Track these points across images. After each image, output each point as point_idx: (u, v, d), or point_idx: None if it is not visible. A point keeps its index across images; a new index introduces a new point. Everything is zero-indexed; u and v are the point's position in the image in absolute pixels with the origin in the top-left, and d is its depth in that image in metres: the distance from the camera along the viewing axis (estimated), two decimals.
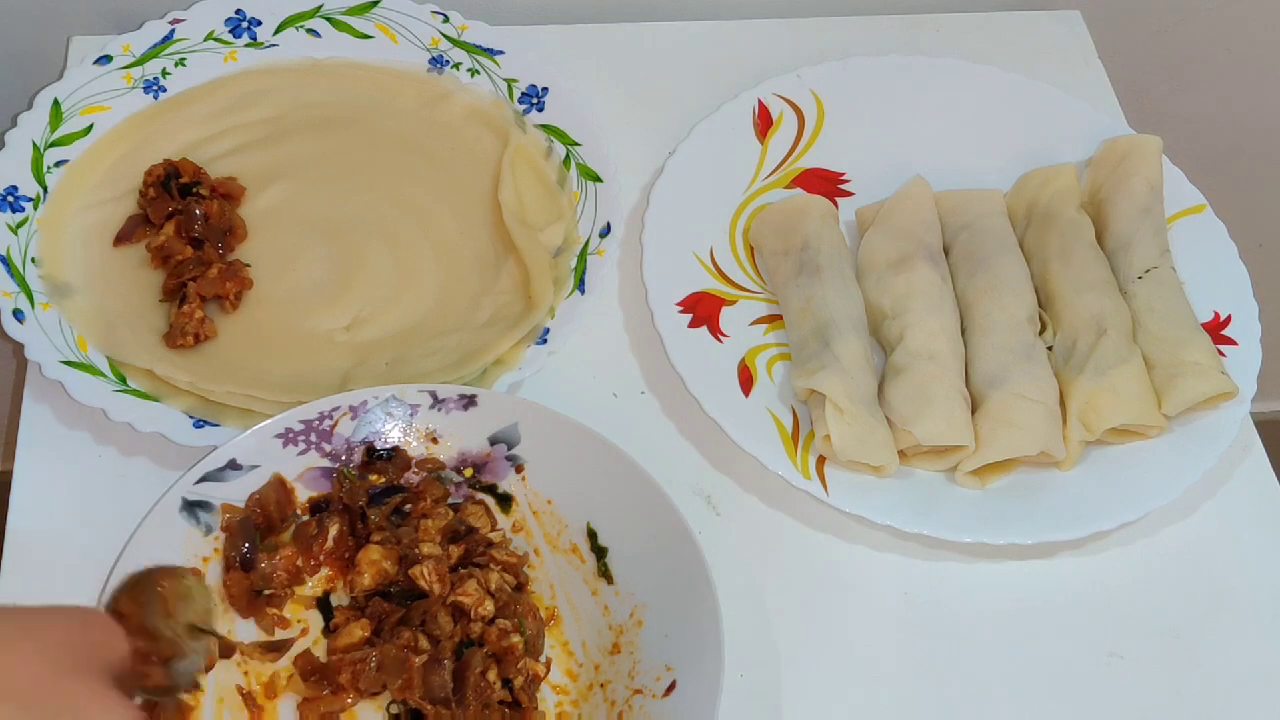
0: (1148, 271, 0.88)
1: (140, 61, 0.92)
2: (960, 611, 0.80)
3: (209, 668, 0.69)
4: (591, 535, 0.76)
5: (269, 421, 0.75)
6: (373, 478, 0.77)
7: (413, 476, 0.77)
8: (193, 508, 0.73)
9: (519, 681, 0.72)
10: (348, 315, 0.85)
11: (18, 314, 0.80)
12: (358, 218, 0.90)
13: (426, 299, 0.87)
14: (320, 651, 0.73)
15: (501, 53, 0.95)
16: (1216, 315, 0.89)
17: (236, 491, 0.74)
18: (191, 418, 0.78)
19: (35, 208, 0.86)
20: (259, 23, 0.95)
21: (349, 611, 0.74)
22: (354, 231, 0.89)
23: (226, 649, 0.71)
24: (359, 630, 0.72)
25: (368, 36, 0.96)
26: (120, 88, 0.91)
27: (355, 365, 0.83)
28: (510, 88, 0.94)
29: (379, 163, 0.92)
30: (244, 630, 0.73)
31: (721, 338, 0.86)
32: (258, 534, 0.74)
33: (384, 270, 0.88)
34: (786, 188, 0.94)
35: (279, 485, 0.75)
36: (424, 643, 0.71)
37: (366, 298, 0.86)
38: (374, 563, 0.73)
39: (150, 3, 0.95)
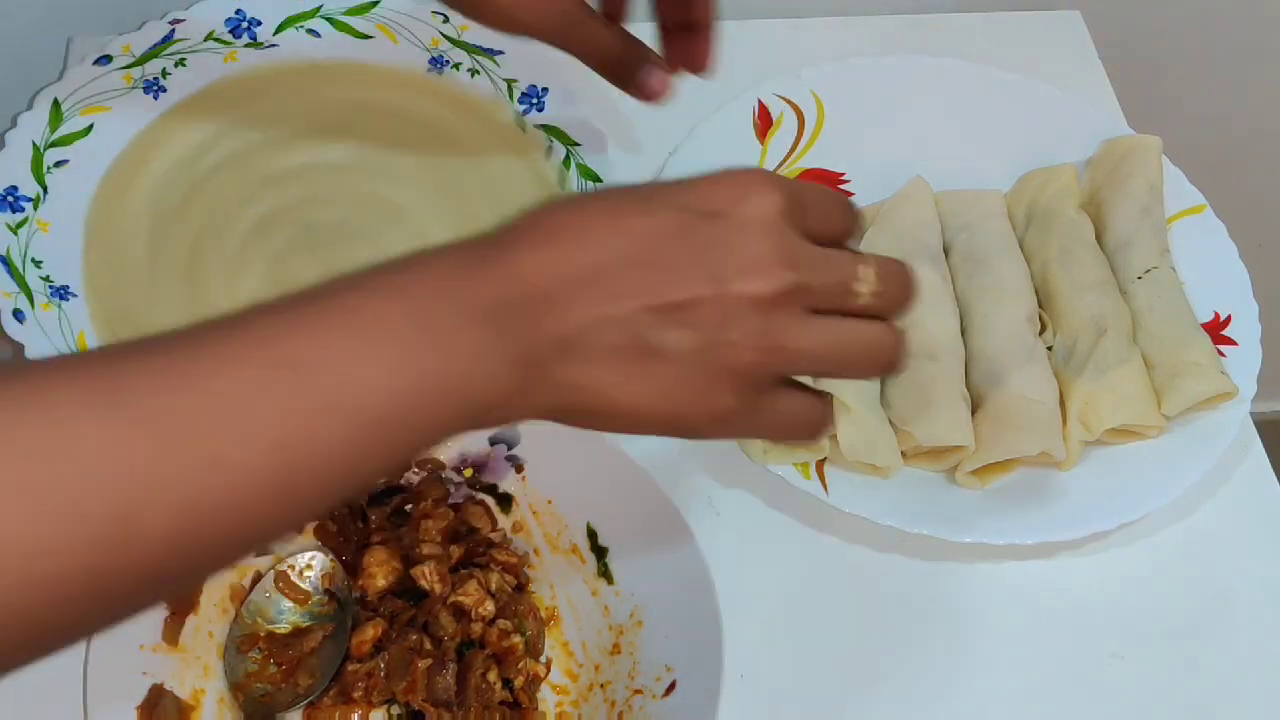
0: (1147, 271, 0.88)
1: (140, 61, 0.92)
2: (960, 611, 0.80)
3: None
4: (591, 535, 0.76)
5: None
6: None
7: (413, 476, 0.77)
8: None
9: (519, 682, 0.72)
10: None
11: (18, 314, 0.80)
12: (357, 220, 0.90)
13: None
14: None
15: (501, 53, 0.95)
16: (1216, 315, 0.89)
17: None
18: None
19: (35, 208, 0.86)
20: (259, 23, 0.95)
21: (362, 611, 0.74)
22: (353, 233, 0.89)
23: None
24: (372, 630, 0.71)
25: (368, 36, 0.96)
26: (120, 88, 0.91)
27: None
28: (510, 88, 0.94)
29: (378, 164, 0.92)
30: None
31: None
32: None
33: None
34: None
35: None
36: (428, 645, 0.71)
37: None
38: (384, 563, 0.73)
39: (150, 3, 0.95)
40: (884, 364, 0.58)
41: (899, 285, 0.58)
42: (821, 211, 0.57)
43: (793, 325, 0.54)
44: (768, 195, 0.55)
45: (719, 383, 0.54)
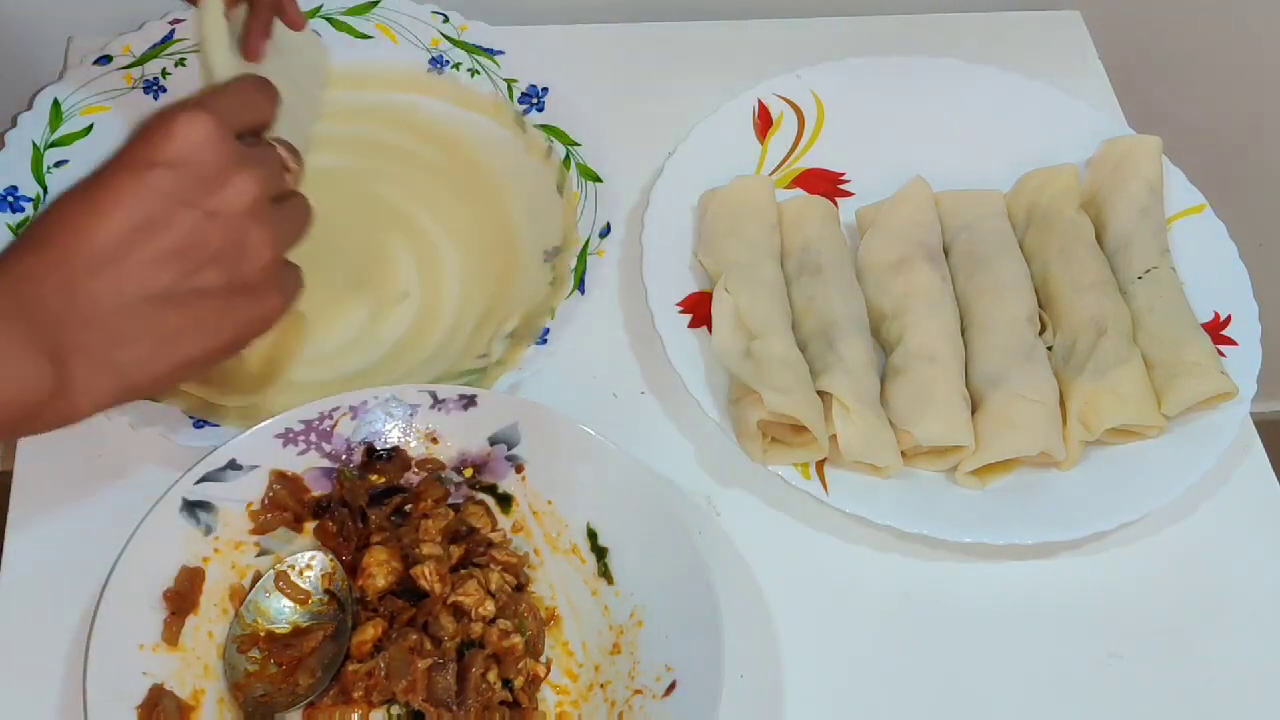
0: (1147, 272, 0.88)
1: (140, 61, 0.92)
2: (960, 611, 0.80)
3: None
4: (591, 535, 0.76)
5: (269, 421, 0.75)
6: (373, 478, 0.77)
7: (413, 476, 0.77)
8: (193, 508, 0.73)
9: (519, 682, 0.72)
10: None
11: None
12: (357, 221, 0.90)
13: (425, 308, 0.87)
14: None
15: (501, 53, 0.95)
16: (1216, 315, 0.89)
17: (237, 491, 0.74)
18: (191, 418, 0.78)
19: (35, 208, 0.85)
20: None
21: (362, 611, 0.74)
22: (352, 235, 0.89)
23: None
24: (372, 630, 0.71)
25: (368, 36, 0.96)
26: (120, 88, 0.91)
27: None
28: (510, 88, 0.94)
29: (378, 165, 0.93)
30: None
31: None
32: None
33: (409, 270, 0.89)
34: (787, 188, 0.94)
35: (281, 478, 0.75)
36: (428, 645, 0.71)
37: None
38: (383, 563, 0.73)
39: (150, 3, 0.95)
40: (312, 219, 0.66)
41: (300, 162, 0.66)
42: (243, 105, 0.63)
43: (276, 215, 0.62)
44: (195, 122, 0.59)
45: (259, 290, 0.62)
